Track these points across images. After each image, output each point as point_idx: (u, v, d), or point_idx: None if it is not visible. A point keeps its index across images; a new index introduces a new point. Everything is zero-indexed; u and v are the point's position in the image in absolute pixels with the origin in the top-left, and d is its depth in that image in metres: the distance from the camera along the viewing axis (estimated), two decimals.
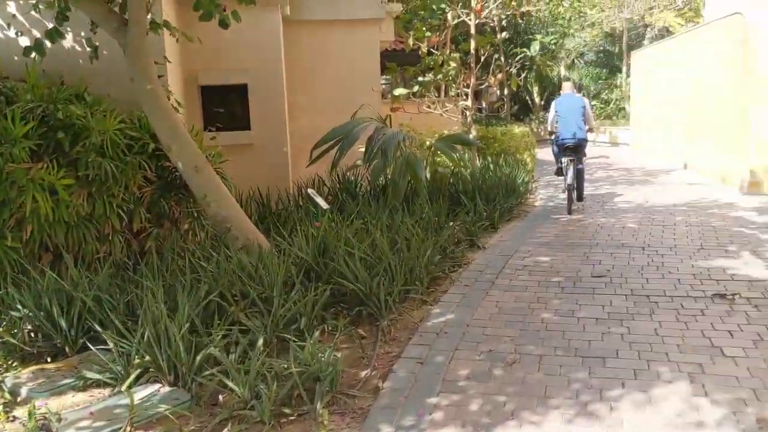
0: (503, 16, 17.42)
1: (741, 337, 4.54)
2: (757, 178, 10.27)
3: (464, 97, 11.45)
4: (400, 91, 10.45)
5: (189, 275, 5.09)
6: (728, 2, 14.45)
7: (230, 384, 3.81)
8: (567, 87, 10.28)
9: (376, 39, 10.64)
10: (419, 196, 7.98)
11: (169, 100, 6.29)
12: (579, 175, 9.37)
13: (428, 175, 9.28)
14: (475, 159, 11.37)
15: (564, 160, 9.24)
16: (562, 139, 9.33)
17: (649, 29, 23.53)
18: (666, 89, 15.79)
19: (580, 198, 9.60)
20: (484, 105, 25.23)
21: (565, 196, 9.53)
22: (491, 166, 11.10)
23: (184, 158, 5.91)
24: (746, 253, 6.76)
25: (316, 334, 4.48)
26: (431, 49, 10.71)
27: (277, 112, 8.81)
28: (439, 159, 9.95)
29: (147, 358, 4.13)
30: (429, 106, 11.46)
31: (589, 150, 10.23)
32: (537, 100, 25.48)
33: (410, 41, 10.49)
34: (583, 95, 11.71)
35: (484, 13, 10.98)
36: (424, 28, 11.05)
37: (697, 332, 4.67)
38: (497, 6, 12.04)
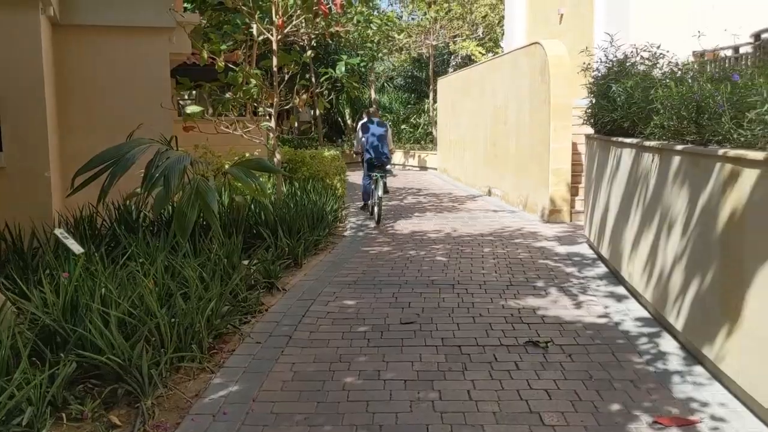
0: (312, 36, 16.84)
1: (559, 397, 4.09)
2: (556, 206, 10.49)
3: (268, 118, 10.57)
4: (192, 108, 9.31)
5: None
6: (524, 35, 15.06)
7: None
8: (374, 113, 11.71)
9: (165, 50, 9.42)
10: (211, 230, 6.96)
11: None
12: (383, 185, 10.85)
13: (225, 205, 8.28)
14: (280, 185, 10.53)
15: (374, 175, 10.64)
16: (371, 159, 10.80)
17: (453, 57, 24.32)
18: (470, 116, 16.08)
19: (386, 191, 10.97)
20: (295, 126, 24.56)
21: (374, 225, 10.45)
22: (298, 192, 10.38)
23: None
24: (554, 289, 6.55)
25: (46, 429, 3.35)
26: (229, 65, 9.72)
27: (36, 131, 7.34)
28: (240, 185, 8.98)
29: None
30: (228, 126, 10.42)
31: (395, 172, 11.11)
32: (349, 122, 25.35)
33: (204, 54, 9.42)
34: (384, 120, 12.92)
35: (286, 29, 10.19)
36: (230, 42, 10.05)
37: (513, 393, 4.16)
38: (305, 25, 11.34)
